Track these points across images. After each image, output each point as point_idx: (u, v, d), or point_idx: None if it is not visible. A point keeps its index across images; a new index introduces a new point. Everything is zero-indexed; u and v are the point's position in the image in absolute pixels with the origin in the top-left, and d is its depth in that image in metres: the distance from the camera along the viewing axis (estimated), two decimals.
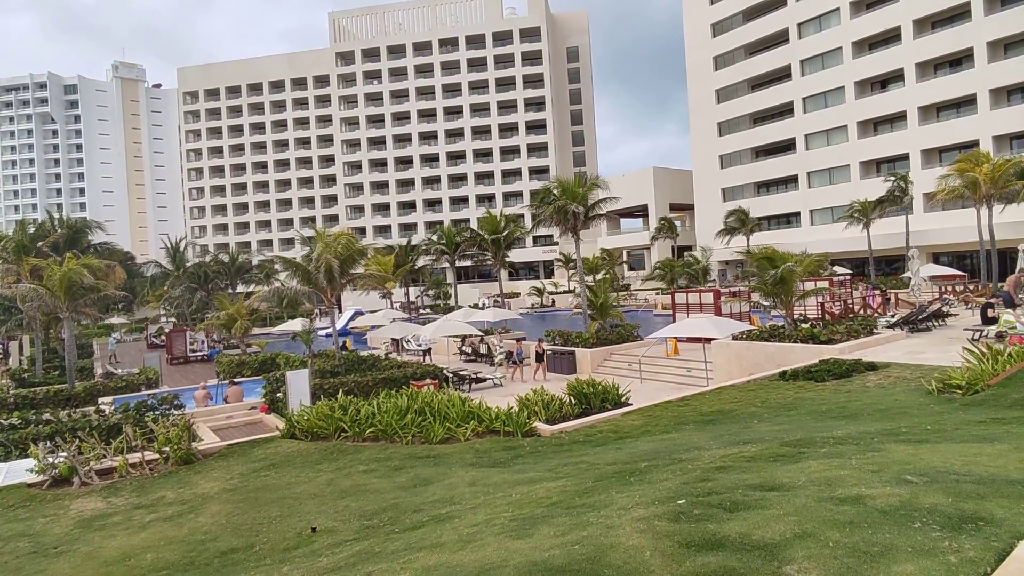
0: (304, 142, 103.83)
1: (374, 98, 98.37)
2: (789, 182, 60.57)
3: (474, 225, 49.89)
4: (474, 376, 23.47)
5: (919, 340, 20.77)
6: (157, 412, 14.79)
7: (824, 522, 4.18)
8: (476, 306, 48.44)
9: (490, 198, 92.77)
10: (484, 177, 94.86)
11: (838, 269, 43.10)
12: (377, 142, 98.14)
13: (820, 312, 28.46)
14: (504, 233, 40.94)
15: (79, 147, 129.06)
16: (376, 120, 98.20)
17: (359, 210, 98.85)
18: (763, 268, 22.12)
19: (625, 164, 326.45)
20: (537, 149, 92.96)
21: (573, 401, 14.28)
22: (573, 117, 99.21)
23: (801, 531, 4.07)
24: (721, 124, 65.49)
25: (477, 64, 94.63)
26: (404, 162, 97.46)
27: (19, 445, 13.84)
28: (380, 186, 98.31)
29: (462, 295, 60.02)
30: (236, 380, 23.73)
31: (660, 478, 6.62)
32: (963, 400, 11.15)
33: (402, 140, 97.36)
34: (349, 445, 12.44)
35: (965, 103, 48.65)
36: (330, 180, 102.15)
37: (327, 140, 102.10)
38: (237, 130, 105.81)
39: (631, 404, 14.69)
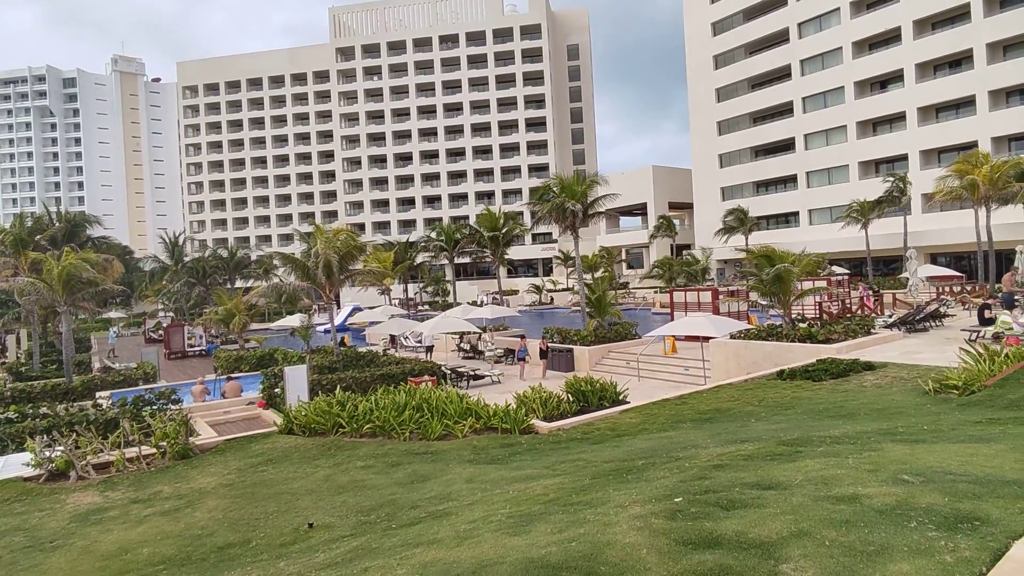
0: (303, 138, 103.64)
1: (374, 94, 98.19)
2: (788, 182, 60.57)
3: (473, 222, 49.86)
4: (472, 373, 23.47)
5: (916, 340, 20.80)
6: (154, 407, 14.78)
7: (820, 521, 4.19)
8: (475, 303, 48.41)
9: (489, 195, 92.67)
10: (484, 174, 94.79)
11: (836, 269, 43.09)
12: (377, 138, 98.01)
13: (818, 312, 28.49)
14: (503, 230, 40.90)
15: (78, 141, 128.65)
16: (376, 116, 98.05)
17: (358, 206, 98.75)
18: (761, 267, 22.13)
19: (625, 162, 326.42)
20: (537, 147, 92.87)
21: (571, 399, 14.29)
22: (573, 115, 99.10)
23: (797, 530, 4.08)
24: (721, 123, 65.45)
25: (477, 61, 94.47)
26: (404, 159, 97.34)
27: (16, 439, 13.83)
28: (379, 182, 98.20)
29: (461, 292, 59.99)
30: (234, 375, 23.74)
31: (657, 476, 6.62)
32: (960, 400, 11.18)
33: (402, 136, 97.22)
34: (346, 441, 12.45)
35: (964, 104, 48.67)
36: (329, 176, 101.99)
37: (327, 136, 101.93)
38: (236, 125, 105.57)
39: (629, 402, 14.71)
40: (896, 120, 52.52)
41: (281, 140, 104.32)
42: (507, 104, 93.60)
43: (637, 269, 74.46)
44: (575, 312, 39.47)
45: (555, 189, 30.46)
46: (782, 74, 60.13)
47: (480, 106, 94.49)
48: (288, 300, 24.99)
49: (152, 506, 9.47)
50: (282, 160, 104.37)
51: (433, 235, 52.20)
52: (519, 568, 3.96)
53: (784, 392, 14.22)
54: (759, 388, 15.01)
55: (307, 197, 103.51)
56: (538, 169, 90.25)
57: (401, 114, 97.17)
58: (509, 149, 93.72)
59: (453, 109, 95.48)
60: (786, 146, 60.14)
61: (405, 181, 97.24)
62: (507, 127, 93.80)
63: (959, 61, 48.88)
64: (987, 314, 22.48)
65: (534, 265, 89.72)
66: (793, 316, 22.96)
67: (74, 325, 35.57)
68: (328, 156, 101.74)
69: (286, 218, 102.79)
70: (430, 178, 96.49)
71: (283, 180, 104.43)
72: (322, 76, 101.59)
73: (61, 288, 22.76)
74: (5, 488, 10.85)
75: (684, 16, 68.54)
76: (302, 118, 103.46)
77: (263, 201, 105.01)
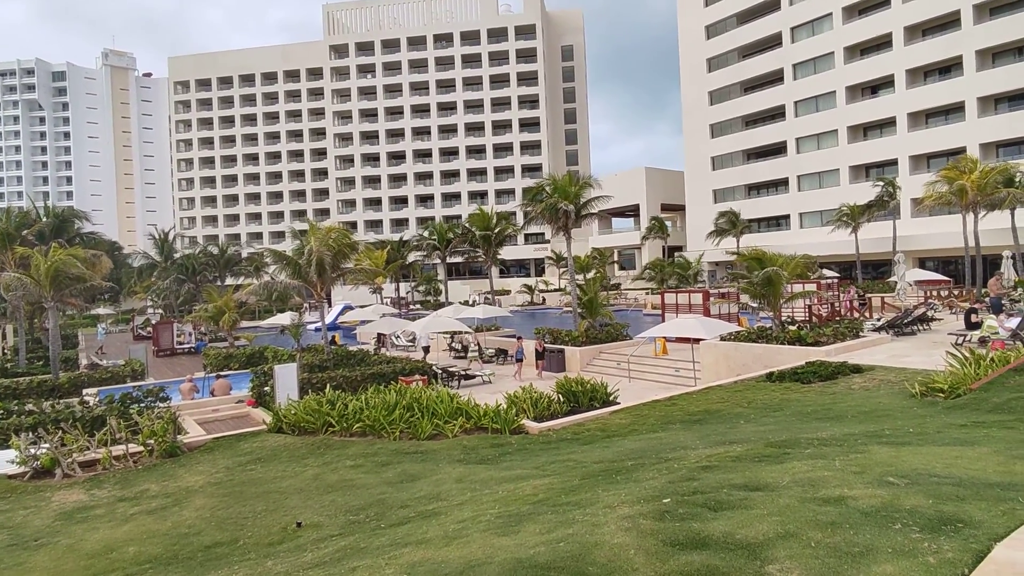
0: (296, 135, 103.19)
1: (367, 92, 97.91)
2: (779, 185, 60.94)
3: (466, 222, 49.89)
4: (463, 373, 23.45)
5: (904, 344, 20.98)
6: (142, 404, 14.66)
7: (807, 522, 4.22)
8: (466, 303, 48.38)
9: (482, 195, 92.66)
10: (477, 174, 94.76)
11: (826, 272, 43.42)
12: (370, 136, 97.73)
13: (807, 314, 28.68)
14: (496, 230, 40.89)
15: (67, 135, 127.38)
16: (369, 114, 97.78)
17: (351, 204, 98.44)
18: (752, 269, 22.26)
19: (618, 163, 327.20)
20: (530, 147, 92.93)
21: (562, 399, 14.31)
22: (567, 115, 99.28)
23: (784, 531, 4.11)
24: (713, 126, 65.77)
25: (471, 60, 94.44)
26: (397, 157, 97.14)
27: (0, 436, 13.67)
28: (372, 180, 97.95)
29: (453, 292, 59.97)
30: (223, 373, 23.60)
31: (646, 477, 6.65)
32: (945, 404, 11.29)
33: (395, 135, 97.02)
34: (336, 440, 12.40)
35: (953, 110, 49.16)
36: (322, 174, 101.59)
37: (319, 133, 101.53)
38: (228, 121, 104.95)
39: (619, 403, 14.74)
40: (886, 125, 52.97)
41: (273, 137, 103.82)
42: (501, 104, 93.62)
43: (629, 270, 74.68)
44: (567, 313, 39.53)
45: (548, 190, 30.48)
46: (774, 78, 60.51)
47: (474, 105, 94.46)
48: (279, 298, 24.87)
49: (139, 504, 9.39)
50: (274, 157, 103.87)
51: (426, 234, 52.10)
52: (507, 568, 3.97)
53: (773, 394, 14.30)
54: (748, 390, 15.09)
55: (299, 194, 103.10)
56: (531, 169, 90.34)
57: (395, 112, 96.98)
58: (503, 149, 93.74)
59: (447, 108, 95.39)
60: (778, 149, 60.51)
61: (398, 180, 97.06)
62: (501, 127, 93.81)
63: (949, 67, 49.38)
64: (974, 318, 22.73)
65: (526, 265, 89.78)
66: (783, 319, 23.10)
67: (61, 321, 35.23)
68: (321, 153, 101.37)
69: (278, 215, 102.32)
70: (423, 177, 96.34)
71: (275, 177, 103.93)
72: (315, 73, 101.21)
73: (48, 284, 22.54)
74: None
75: (678, 19, 68.83)
76: (295, 115, 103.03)
77: (254, 198, 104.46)
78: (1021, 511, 4.18)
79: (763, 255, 22.60)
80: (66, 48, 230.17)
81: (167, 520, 8.63)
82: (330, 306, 52.14)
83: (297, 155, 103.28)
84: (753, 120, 63.05)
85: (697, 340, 21.46)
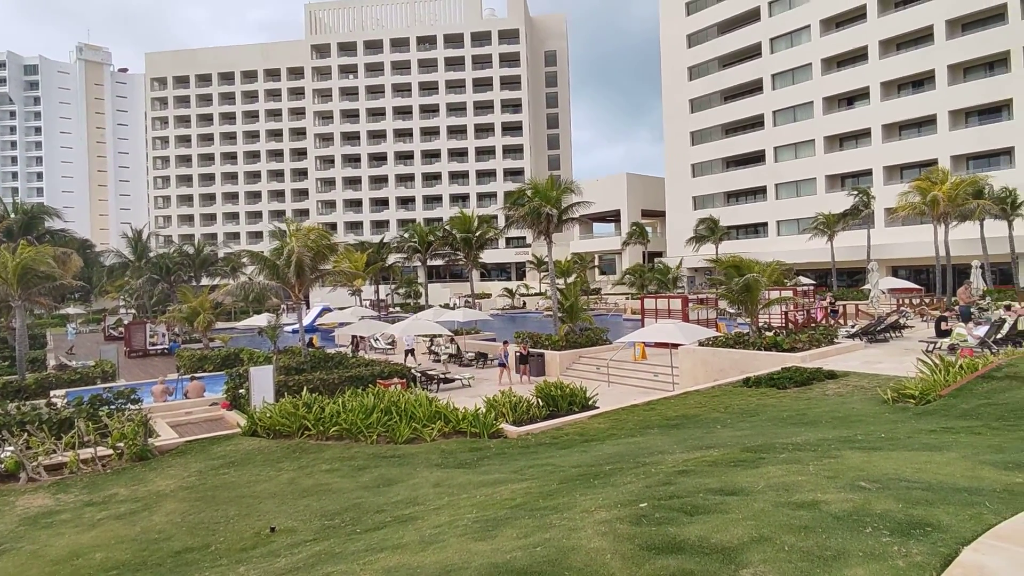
0: (276, 134, 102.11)
1: (349, 93, 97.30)
2: (758, 193, 61.85)
3: (447, 225, 49.81)
4: (442, 376, 23.34)
5: (876, 350, 21.37)
6: (112, 406, 14.31)
7: (780, 526, 4.26)
8: (447, 306, 48.22)
9: (464, 198, 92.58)
10: (459, 177, 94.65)
11: (803, 279, 44.11)
12: (351, 137, 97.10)
13: (784, 321, 29.08)
14: (477, 233, 40.84)
15: (38, 130, 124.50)
16: (351, 115, 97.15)
17: (330, 205, 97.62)
18: (730, 276, 22.51)
19: (600, 169, 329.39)
20: (513, 151, 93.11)
21: (541, 403, 14.30)
22: (549, 120, 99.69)
23: (758, 535, 4.14)
24: (694, 133, 66.55)
25: (455, 63, 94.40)
26: (378, 158, 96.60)
27: None
28: (353, 182, 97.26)
29: (433, 294, 59.72)
30: (197, 375, 23.20)
31: (624, 481, 6.67)
32: (916, 409, 11.51)
33: (377, 136, 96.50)
34: (312, 444, 12.25)
35: (926, 123, 50.38)
36: (301, 174, 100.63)
37: (300, 133, 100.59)
38: (206, 119, 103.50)
39: (598, 407, 14.79)
40: (862, 136, 54.09)
41: (252, 136, 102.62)
42: (484, 107, 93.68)
43: (609, 275, 75.15)
44: (547, 317, 39.63)
45: (529, 194, 30.55)
46: (754, 87, 61.45)
47: (457, 108, 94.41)
48: (256, 299, 24.52)
49: (107, 509, 9.17)
50: (253, 156, 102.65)
51: (406, 236, 51.85)
52: (483, 573, 3.95)
53: (750, 399, 14.46)
54: (725, 395, 15.24)
55: (278, 195, 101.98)
56: (513, 173, 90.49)
57: (376, 114, 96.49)
58: (485, 152, 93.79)
59: (429, 110, 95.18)
60: (756, 158, 61.42)
61: (379, 181, 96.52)
62: (483, 130, 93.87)
63: (922, 81, 50.63)
64: (944, 326, 23.29)
65: (507, 269, 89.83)
66: (760, 325, 23.39)
67: (29, 321, 34.33)
68: (301, 154, 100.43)
69: (256, 215, 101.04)
70: (404, 179, 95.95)
71: (253, 177, 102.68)
72: (296, 73, 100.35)
73: (15, 282, 21.96)
74: None
75: (660, 27, 69.60)
76: (275, 114, 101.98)
77: (232, 197, 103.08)
78: (987, 515, 4.27)
79: (741, 262, 22.85)
80: (42, 42, 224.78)
81: (136, 525, 8.43)
82: (308, 308, 51.61)
83: (277, 155, 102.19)
84: (733, 128, 63.94)
85: (676, 345, 21.63)
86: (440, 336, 28.67)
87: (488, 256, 74.65)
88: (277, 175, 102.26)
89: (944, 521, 4.19)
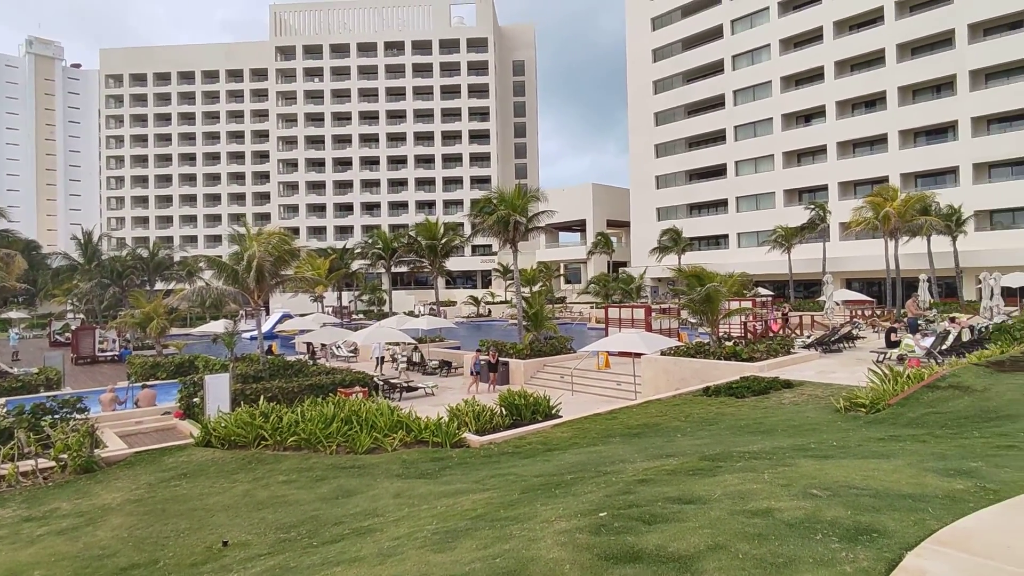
0: (237, 136, 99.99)
1: (314, 96, 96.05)
2: (719, 205, 63.31)
3: (412, 231, 49.40)
4: (406, 385, 23.09)
5: (831, 360, 22.03)
6: (56, 416, 13.70)
7: (735, 534, 4.33)
8: (411, 313, 47.84)
9: (431, 205, 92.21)
10: (425, 183, 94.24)
11: (761, 290, 45.23)
12: (315, 141, 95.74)
13: (743, 331, 29.75)
14: (443, 241, 40.63)
15: None
16: (315, 118, 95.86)
17: (293, 210, 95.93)
18: (692, 286, 22.95)
19: (566, 179, 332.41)
20: (480, 159, 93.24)
21: (504, 412, 14.27)
22: (517, 129, 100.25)
23: (714, 543, 4.20)
24: (658, 146, 67.79)
25: (422, 70, 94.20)
26: (343, 163, 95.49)
27: None
28: (316, 186, 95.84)
29: (397, 302, 59.15)
30: (149, 383, 22.42)
31: (585, 491, 6.69)
32: (866, 418, 11.89)
33: (342, 141, 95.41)
34: (269, 454, 11.94)
35: (878, 141, 52.48)
36: (263, 177, 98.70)
37: (262, 135, 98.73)
38: (164, 119, 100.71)
39: (561, 416, 14.83)
40: (818, 152, 55.98)
41: (213, 137, 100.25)
42: (451, 115, 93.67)
43: (575, 284, 75.72)
44: (512, 325, 39.65)
45: (495, 201, 30.60)
46: (716, 103, 63.02)
47: (424, 115, 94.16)
48: (213, 305, 23.84)
49: (47, 524, 8.74)
50: (213, 158, 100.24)
51: (370, 242, 51.22)
52: None
53: (709, 408, 14.71)
54: (686, 404, 15.47)
55: (238, 198, 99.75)
56: (480, 181, 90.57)
57: (342, 118, 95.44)
58: (452, 160, 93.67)
59: (396, 116, 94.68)
60: (718, 171, 62.90)
61: (344, 186, 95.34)
62: (450, 137, 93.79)
63: (874, 101, 52.75)
64: (893, 337, 24.17)
65: (473, 277, 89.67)
66: (720, 335, 23.88)
67: None
68: (263, 156, 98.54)
69: (214, 218, 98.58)
70: (370, 184, 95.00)
71: (213, 179, 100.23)
72: (260, 74, 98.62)
73: None
74: None
75: (627, 41, 70.83)
76: (236, 116, 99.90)
77: (190, 200, 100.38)
78: (930, 521, 4.42)
79: (703, 273, 23.32)
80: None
81: (78, 541, 8.06)
82: (268, 314, 50.51)
83: (238, 157, 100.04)
84: (696, 142, 65.38)
85: (638, 354, 21.88)
86: (398, 344, 28.34)
87: (454, 264, 74.35)
88: (238, 178, 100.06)
89: (890, 527, 4.32)
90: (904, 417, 11.42)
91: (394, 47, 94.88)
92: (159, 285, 48.31)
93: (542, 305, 30.10)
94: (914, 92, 50.75)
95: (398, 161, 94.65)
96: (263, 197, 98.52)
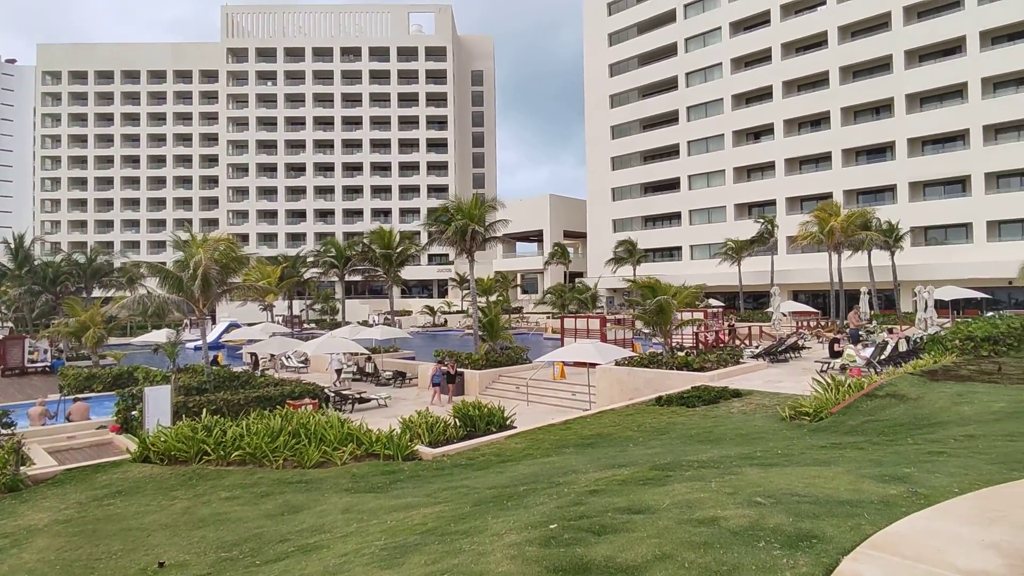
0: (184, 139, 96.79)
1: (267, 100, 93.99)
2: (673, 218, 64.79)
3: (366, 239, 48.51)
4: (357, 396, 22.64)
5: (778, 370, 22.71)
6: None
7: (682, 543, 4.37)
8: (365, 323, 47.09)
9: (387, 213, 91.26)
10: (381, 191, 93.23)
11: (712, 301, 46.37)
12: (267, 145, 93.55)
13: (695, 341, 30.41)
14: (398, 250, 40.13)
15: None
16: (268, 123, 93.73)
17: (243, 215, 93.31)
18: (645, 297, 23.33)
19: (525, 190, 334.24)
20: (437, 167, 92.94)
21: (458, 424, 14.14)
22: (475, 139, 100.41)
23: (661, 553, 4.23)
24: (614, 159, 69.01)
25: (380, 76, 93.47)
26: (296, 169, 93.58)
27: None
28: (268, 192, 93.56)
29: (351, 311, 58.20)
30: (82, 396, 21.34)
31: (536, 502, 6.66)
32: (810, 426, 12.28)
33: (295, 146, 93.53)
34: (211, 470, 11.48)
35: (822, 159, 54.79)
36: (212, 181, 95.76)
37: (211, 139, 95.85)
38: (106, 119, 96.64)
39: (516, 427, 14.79)
40: (767, 169, 58.02)
41: (158, 139, 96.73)
42: (409, 122, 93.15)
43: (532, 294, 76.07)
44: (468, 335, 39.49)
45: (452, 211, 30.49)
46: (670, 118, 64.66)
47: (381, 122, 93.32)
48: (155, 314, 22.84)
49: None
50: (158, 161, 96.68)
51: (323, 250, 50.18)
52: None
53: (661, 418, 14.92)
54: (639, 414, 15.66)
55: (184, 202, 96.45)
56: (438, 190, 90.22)
57: (296, 123, 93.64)
58: (409, 168, 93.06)
59: (352, 123, 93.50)
60: (672, 185, 64.42)
61: (296, 192, 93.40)
62: (408, 145, 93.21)
63: (819, 121, 55.12)
64: (836, 347, 25.09)
65: (429, 286, 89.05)
66: (673, 345, 24.33)
67: None
68: (211, 160, 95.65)
69: (158, 223, 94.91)
70: (324, 191, 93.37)
71: (158, 182, 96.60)
72: (210, 76, 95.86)
73: None
74: None
75: (584, 56, 72.04)
76: (184, 118, 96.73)
77: (132, 204, 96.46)
78: (866, 526, 4.57)
79: (656, 284, 23.75)
80: None
81: (2, 565, 7.55)
82: (214, 323, 48.88)
83: (184, 160, 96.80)
84: (651, 156, 66.85)
85: (593, 365, 22.07)
86: (356, 354, 27.82)
87: (410, 273, 73.74)
88: (184, 181, 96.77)
89: (828, 533, 4.44)
90: (845, 425, 11.84)
91: (351, 53, 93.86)
92: (97, 292, 46.01)
93: (498, 315, 30.06)
94: (855, 113, 53.27)
95: (354, 168, 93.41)
96: (211, 202, 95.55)
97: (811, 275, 49.49)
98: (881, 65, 51.39)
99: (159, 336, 27.21)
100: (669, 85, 64.65)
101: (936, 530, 4.53)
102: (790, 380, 19.70)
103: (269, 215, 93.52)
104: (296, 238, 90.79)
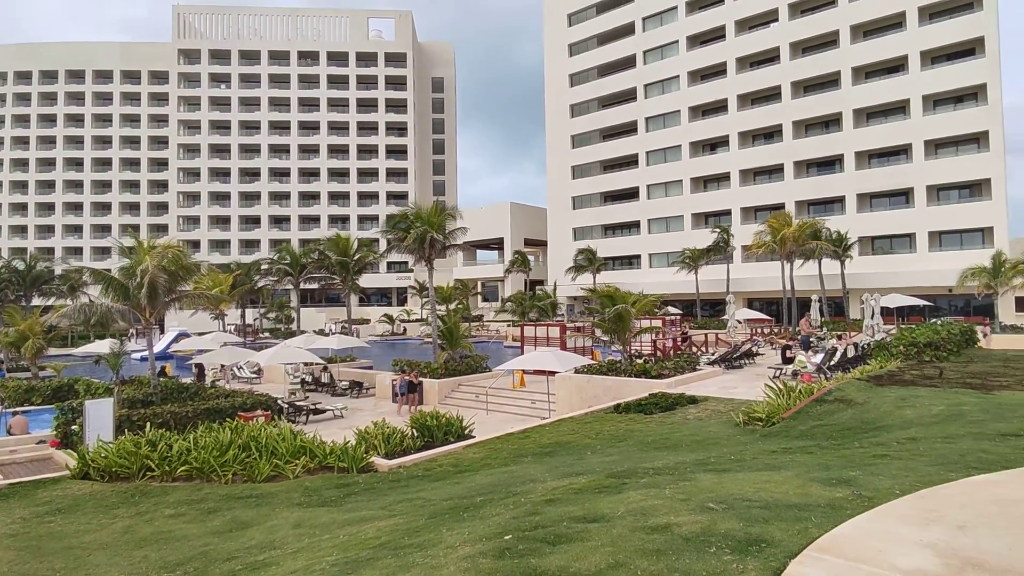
0: (132, 141, 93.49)
1: (220, 103, 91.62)
2: (632, 227, 65.80)
3: (323, 246, 47.36)
4: (312, 407, 22.12)
5: (733, 376, 23.19)
6: None
7: (636, 551, 4.38)
8: (321, 332, 46.18)
9: (344, 219, 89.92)
10: (339, 197, 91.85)
11: (671, 309, 47.15)
12: (220, 150, 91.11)
13: (653, 348, 30.83)
14: (356, 257, 39.46)
15: None
16: (221, 126, 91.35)
17: (194, 221, 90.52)
18: (605, 305, 23.54)
19: (486, 197, 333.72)
20: (397, 174, 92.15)
21: (416, 434, 13.94)
22: (435, 146, 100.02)
23: (615, 561, 4.22)
24: (575, 168, 69.74)
25: (338, 81, 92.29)
26: (251, 174, 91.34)
27: None
28: (221, 197, 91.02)
29: (307, 319, 57.00)
30: (22, 408, 20.29)
31: (492, 513, 6.59)
32: (763, 431, 12.54)
33: (250, 150, 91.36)
34: (155, 486, 11.03)
35: (775, 171, 56.59)
36: (161, 186, 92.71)
37: (161, 142, 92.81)
38: (49, 120, 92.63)
39: (474, 436, 14.67)
40: (722, 179, 59.55)
41: (104, 141, 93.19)
42: (368, 128, 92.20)
43: (492, 302, 75.96)
44: (427, 344, 39.09)
45: (412, 218, 30.22)
46: (630, 128, 65.79)
47: (339, 127, 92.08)
48: (99, 323, 21.85)
49: None
50: (103, 164, 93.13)
51: (276, 258, 48.95)
52: None
53: (619, 425, 15.03)
54: (597, 421, 15.73)
55: (132, 207, 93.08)
56: (397, 196, 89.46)
57: (250, 127, 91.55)
58: (368, 174, 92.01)
59: (309, 128, 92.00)
60: (631, 194, 65.46)
61: (251, 198, 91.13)
62: (367, 151, 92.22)
63: (772, 133, 56.94)
64: (788, 354, 25.79)
65: (388, 294, 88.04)
66: (632, 352, 24.59)
67: None
68: (161, 164, 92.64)
69: (103, 228, 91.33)
70: (279, 197, 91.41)
71: (103, 186, 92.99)
72: (160, 77, 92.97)
73: None
74: None
75: (545, 65, 72.72)
76: (132, 120, 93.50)
77: (76, 208, 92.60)
78: (812, 529, 4.66)
79: (616, 292, 23.98)
80: None
81: None
82: (162, 333, 47.14)
83: (132, 163, 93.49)
84: (611, 165, 67.82)
85: (553, 373, 22.11)
86: (302, 364, 27.09)
87: (368, 281, 72.72)
88: (132, 186, 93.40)
89: (777, 537, 4.51)
90: (795, 430, 12.14)
91: (308, 57, 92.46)
92: (37, 300, 43.90)
93: (457, 323, 29.89)
94: (807, 126, 55.27)
95: (310, 174, 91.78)
96: (160, 207, 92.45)
97: (765, 283, 50.90)
98: (830, 81, 53.50)
99: (102, 347, 26.00)
100: (628, 96, 65.81)
101: (878, 531, 4.65)
102: (744, 386, 20.08)
103: (222, 221, 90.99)
104: (250, 245, 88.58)
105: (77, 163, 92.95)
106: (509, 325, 55.05)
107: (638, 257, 64.76)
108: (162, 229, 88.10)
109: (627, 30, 65.84)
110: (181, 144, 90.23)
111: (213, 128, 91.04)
